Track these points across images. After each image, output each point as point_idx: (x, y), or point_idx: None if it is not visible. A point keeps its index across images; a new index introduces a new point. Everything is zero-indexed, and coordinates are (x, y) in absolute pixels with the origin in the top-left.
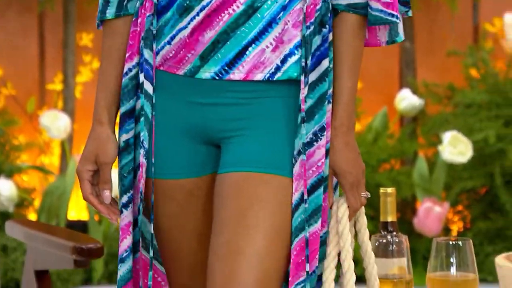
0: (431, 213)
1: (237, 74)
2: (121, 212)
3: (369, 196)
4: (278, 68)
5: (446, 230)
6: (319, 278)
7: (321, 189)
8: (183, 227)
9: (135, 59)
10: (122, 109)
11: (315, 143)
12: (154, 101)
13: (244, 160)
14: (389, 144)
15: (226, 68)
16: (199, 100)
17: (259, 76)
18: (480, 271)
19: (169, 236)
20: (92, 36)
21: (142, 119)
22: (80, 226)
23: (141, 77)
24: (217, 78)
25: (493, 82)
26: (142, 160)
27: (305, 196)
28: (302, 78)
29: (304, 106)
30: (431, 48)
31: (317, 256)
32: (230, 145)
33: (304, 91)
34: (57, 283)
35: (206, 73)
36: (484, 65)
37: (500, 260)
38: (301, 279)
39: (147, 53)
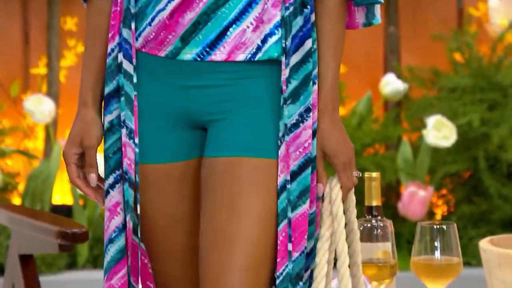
0: (415, 197)
1: (218, 55)
2: (108, 192)
3: (360, 175)
4: (259, 48)
5: (430, 214)
6: (307, 257)
7: (309, 170)
8: (166, 213)
9: (117, 39)
10: (106, 90)
11: (301, 124)
12: (135, 81)
13: (232, 144)
14: (374, 129)
15: (208, 49)
16: (182, 82)
17: (241, 57)
18: (464, 254)
19: (152, 222)
20: (77, 20)
21: (122, 98)
22: (64, 211)
23: (120, 56)
24: (198, 59)
25: (477, 66)
26: (125, 139)
27: (287, 178)
28: (283, 59)
29: (285, 88)
30: (415, 33)
31: (305, 236)
32: (216, 128)
33: (285, 72)
34: (42, 267)
35: (188, 55)
36: (468, 49)
37: (484, 244)
38: (291, 259)
39: (125, 33)
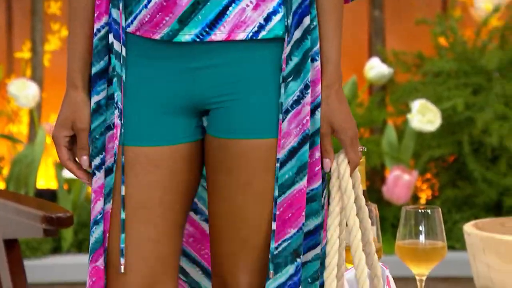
0: (400, 181)
1: (218, 35)
2: (94, 174)
3: (365, 149)
4: (262, 27)
5: (415, 198)
6: (305, 235)
7: (307, 146)
8: (138, 198)
9: (103, 19)
10: (93, 70)
11: (301, 100)
12: (126, 62)
13: (244, 126)
14: (358, 113)
15: (207, 29)
16: (181, 65)
17: (241, 36)
18: (448, 238)
19: (131, 205)
20: (60, 4)
21: (115, 80)
22: (49, 195)
23: (110, 37)
24: (198, 40)
25: (461, 50)
26: (117, 121)
27: (287, 154)
28: (286, 36)
29: (285, 66)
30: (400, 17)
31: (303, 213)
32: (224, 109)
33: (286, 50)
34: (26, 251)
35: (186, 36)
36: (453, 34)
37: (469, 227)
38: (287, 236)
39: (115, 13)
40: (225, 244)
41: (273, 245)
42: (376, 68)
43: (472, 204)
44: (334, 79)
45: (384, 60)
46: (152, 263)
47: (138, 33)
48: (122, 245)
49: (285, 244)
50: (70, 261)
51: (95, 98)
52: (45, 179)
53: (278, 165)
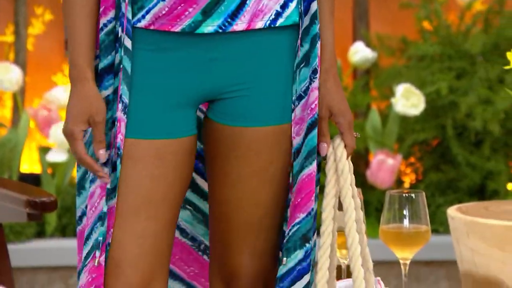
0: (384, 165)
1: (240, 25)
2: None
3: (359, 136)
4: (279, 14)
5: (399, 182)
6: (314, 218)
7: (315, 131)
8: (140, 192)
9: (110, 14)
10: (101, 65)
11: (310, 86)
12: (133, 56)
13: (259, 113)
14: None
15: (229, 20)
16: (202, 56)
17: (259, 24)
18: (432, 222)
19: (135, 199)
20: None
21: (120, 74)
22: (32, 179)
23: (120, 31)
24: (220, 31)
25: (445, 34)
26: (120, 115)
27: (302, 140)
28: (301, 23)
29: (300, 52)
30: (384, 1)
31: (313, 198)
32: (238, 99)
33: (300, 36)
34: (10, 236)
35: (209, 27)
36: (437, 18)
37: (452, 211)
38: (297, 220)
39: (124, 7)
40: (234, 230)
41: (286, 230)
42: (360, 52)
43: (455, 188)
44: (332, 62)
45: (368, 44)
46: (152, 259)
47: (152, 27)
48: (100, 238)
49: (294, 229)
50: (54, 246)
51: (103, 93)
52: (29, 163)
53: (293, 151)
